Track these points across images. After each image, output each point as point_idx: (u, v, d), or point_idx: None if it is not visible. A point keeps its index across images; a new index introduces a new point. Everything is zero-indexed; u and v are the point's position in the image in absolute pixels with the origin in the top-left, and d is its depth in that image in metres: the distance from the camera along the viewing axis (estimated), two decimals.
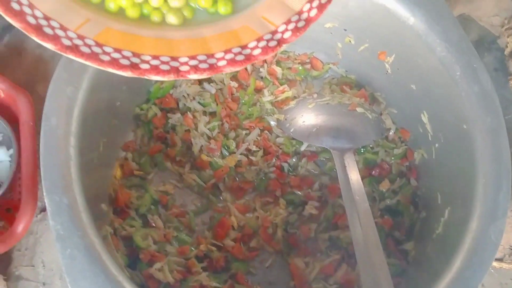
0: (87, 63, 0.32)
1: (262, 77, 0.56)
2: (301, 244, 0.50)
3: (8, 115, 0.68)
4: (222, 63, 0.34)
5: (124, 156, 0.51)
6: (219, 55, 0.34)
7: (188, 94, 0.54)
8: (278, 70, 0.56)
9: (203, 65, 0.33)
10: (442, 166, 0.47)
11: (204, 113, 0.54)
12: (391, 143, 0.53)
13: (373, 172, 0.53)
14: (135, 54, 0.33)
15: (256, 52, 0.34)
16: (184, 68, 0.33)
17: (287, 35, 0.35)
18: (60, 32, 0.32)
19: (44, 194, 0.36)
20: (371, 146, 0.53)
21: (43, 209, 0.65)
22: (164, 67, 0.33)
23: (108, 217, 0.46)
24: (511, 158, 0.41)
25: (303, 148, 0.52)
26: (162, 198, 0.50)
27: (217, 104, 0.54)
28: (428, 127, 0.49)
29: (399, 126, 0.54)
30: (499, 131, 0.41)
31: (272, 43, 0.34)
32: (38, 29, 0.32)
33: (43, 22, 0.32)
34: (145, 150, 0.52)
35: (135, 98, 0.53)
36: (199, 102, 0.53)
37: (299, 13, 0.36)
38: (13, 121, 0.67)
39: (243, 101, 0.55)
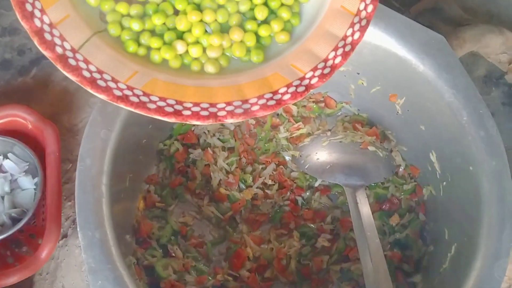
0: (136, 111, 0.35)
1: (278, 114, 0.59)
2: (313, 275, 0.52)
3: (34, 146, 0.71)
4: (255, 108, 0.37)
5: (147, 189, 0.54)
6: (253, 100, 0.37)
7: (208, 131, 0.57)
8: (294, 108, 0.59)
9: (238, 110, 0.36)
10: (449, 203, 0.49)
11: (223, 148, 0.56)
12: (401, 179, 0.56)
13: (384, 206, 0.55)
14: (178, 102, 0.36)
15: (286, 97, 0.37)
16: (221, 113, 0.36)
17: (314, 81, 0.38)
18: (111, 84, 0.35)
19: (78, 229, 0.39)
20: (381, 182, 0.56)
21: (65, 235, 0.68)
22: (204, 113, 0.36)
23: (132, 247, 0.49)
24: None
25: (317, 184, 0.55)
26: (182, 229, 0.53)
27: (235, 140, 0.57)
28: (436, 165, 0.51)
29: (409, 163, 0.56)
30: (503, 174, 0.44)
31: (301, 89, 0.37)
32: (92, 82, 0.35)
33: (96, 75, 0.35)
34: (167, 183, 0.55)
35: (159, 134, 0.56)
36: (218, 138, 0.57)
37: (325, 60, 0.39)
38: (39, 151, 0.71)
39: (260, 137, 0.58)
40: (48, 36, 0.35)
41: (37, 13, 0.35)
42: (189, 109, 0.36)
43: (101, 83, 0.35)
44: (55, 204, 0.64)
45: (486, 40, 0.82)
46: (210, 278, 0.50)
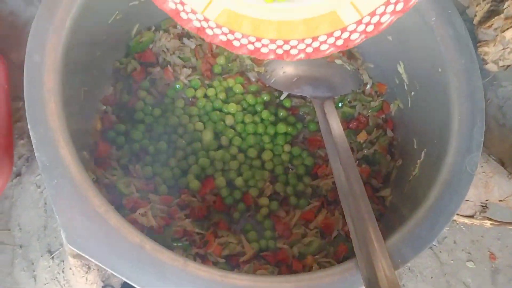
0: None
1: None
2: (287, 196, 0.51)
3: None
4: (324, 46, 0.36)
5: (104, 110, 0.51)
6: (322, 38, 0.36)
7: (167, 49, 0.54)
8: None
9: (309, 49, 0.36)
10: (418, 112, 0.49)
11: (184, 67, 0.54)
12: (368, 97, 0.55)
13: (351, 125, 0.54)
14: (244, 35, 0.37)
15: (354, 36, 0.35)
16: (293, 51, 0.37)
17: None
18: (191, 16, 0.36)
19: (29, 126, 0.36)
20: (348, 100, 0.54)
21: (18, 174, 0.64)
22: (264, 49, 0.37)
23: (90, 165, 0.46)
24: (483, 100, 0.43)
25: (283, 97, 0.53)
26: (141, 152, 0.50)
27: (196, 59, 0.54)
28: (404, 76, 0.50)
29: (376, 81, 0.55)
30: (472, 71, 0.43)
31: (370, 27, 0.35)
32: (177, 13, 0.37)
33: (179, 7, 0.36)
34: (125, 103, 0.52)
35: (114, 52, 0.52)
36: (179, 57, 0.54)
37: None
38: None
39: (223, 56, 0.55)
40: None
41: None
42: (252, 43, 0.37)
43: (183, 15, 0.37)
44: (6, 138, 0.60)
45: None
46: (174, 198, 0.48)
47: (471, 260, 0.64)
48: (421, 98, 0.48)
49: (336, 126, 0.45)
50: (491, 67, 0.75)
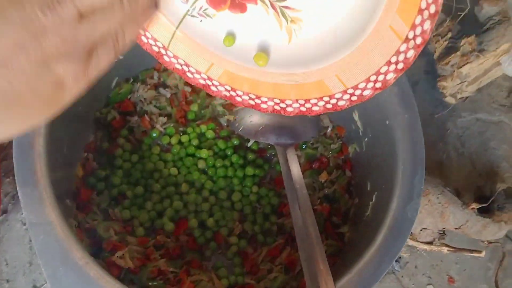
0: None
1: None
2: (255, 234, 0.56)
3: None
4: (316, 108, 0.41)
5: (86, 156, 0.55)
6: (313, 101, 0.41)
7: (145, 99, 0.58)
8: None
9: (302, 108, 0.42)
10: (371, 157, 0.54)
11: (160, 115, 0.58)
12: (329, 139, 0.60)
13: (314, 165, 0.59)
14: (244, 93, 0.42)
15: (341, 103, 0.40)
16: (289, 109, 0.42)
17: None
18: (196, 75, 0.41)
19: (18, 187, 0.40)
20: (311, 142, 0.59)
21: (5, 211, 0.68)
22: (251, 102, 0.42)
23: (72, 211, 0.50)
24: (424, 149, 0.48)
25: (250, 143, 0.58)
26: (120, 196, 0.55)
27: (172, 107, 0.59)
28: (359, 124, 0.56)
29: (336, 124, 0.60)
30: (415, 125, 0.48)
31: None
32: (184, 73, 0.41)
33: (185, 68, 0.41)
34: (104, 150, 0.56)
35: (95, 103, 0.57)
36: (155, 106, 0.58)
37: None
38: None
39: (196, 104, 0.60)
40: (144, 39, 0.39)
41: None
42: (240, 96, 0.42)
43: (189, 74, 0.41)
44: None
45: None
46: (150, 239, 0.52)
47: (431, 284, 0.68)
48: (373, 145, 0.53)
49: (296, 171, 0.50)
50: (450, 99, 0.80)
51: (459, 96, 0.82)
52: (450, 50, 0.85)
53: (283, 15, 0.35)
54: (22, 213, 0.68)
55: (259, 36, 0.37)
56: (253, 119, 0.56)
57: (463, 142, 0.82)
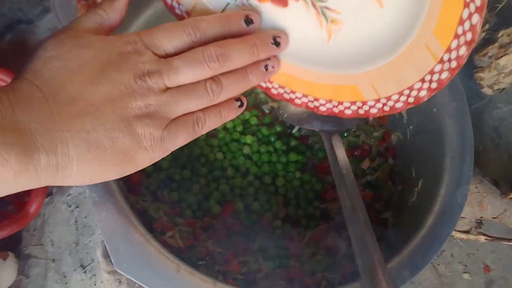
0: None
1: None
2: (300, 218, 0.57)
3: None
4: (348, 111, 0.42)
5: None
6: (346, 104, 0.41)
7: None
8: None
9: (335, 109, 0.42)
10: (415, 144, 0.55)
11: None
12: (371, 127, 0.60)
13: (355, 153, 0.60)
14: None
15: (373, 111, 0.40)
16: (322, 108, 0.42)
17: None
18: None
19: None
20: (353, 130, 0.60)
21: (50, 193, 0.70)
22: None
23: (124, 193, 0.51)
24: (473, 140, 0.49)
25: (294, 131, 0.58)
26: (168, 179, 0.56)
27: None
28: (403, 112, 0.56)
29: None
30: (463, 113, 0.49)
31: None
32: None
33: None
34: None
35: None
36: None
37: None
38: None
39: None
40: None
41: None
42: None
43: None
44: None
45: None
46: (198, 221, 0.54)
47: (467, 272, 0.69)
48: (418, 133, 0.54)
49: (342, 158, 0.51)
50: (487, 90, 0.80)
51: (496, 87, 0.82)
52: (487, 41, 0.84)
53: (324, 14, 0.36)
54: (67, 196, 0.70)
55: (299, 32, 0.38)
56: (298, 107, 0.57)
57: (500, 133, 0.82)
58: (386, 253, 0.45)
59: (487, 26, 0.86)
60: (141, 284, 0.38)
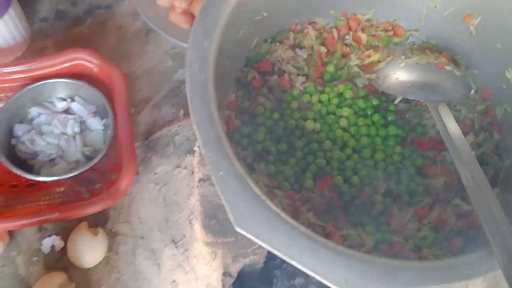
0: None
1: (347, 44, 0.61)
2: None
3: (100, 88, 0.74)
4: None
5: (228, 114, 0.56)
6: None
7: (282, 59, 0.59)
8: (363, 36, 0.60)
9: None
10: None
11: (298, 75, 0.58)
12: (473, 101, 0.57)
13: None
14: None
15: None
16: None
17: None
18: None
19: (194, 127, 0.41)
20: (453, 104, 0.57)
21: (136, 173, 0.71)
22: None
23: None
24: None
25: (396, 101, 0.56)
26: (264, 152, 0.55)
27: (308, 68, 0.59)
28: None
29: (480, 86, 0.58)
30: None
31: None
32: None
33: None
34: (246, 109, 0.57)
35: (236, 64, 0.58)
36: (293, 66, 0.58)
37: None
38: (105, 94, 0.74)
39: (332, 64, 0.59)
40: None
41: None
42: None
43: None
44: (129, 140, 0.67)
45: None
46: (296, 193, 0.52)
47: None
48: None
49: (453, 127, 0.48)
50: None
51: None
52: None
53: None
54: (154, 175, 0.71)
55: None
56: (399, 76, 0.55)
57: None
58: None
59: None
60: (261, 243, 0.37)
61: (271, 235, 0.37)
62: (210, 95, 0.43)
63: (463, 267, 0.38)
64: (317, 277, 0.36)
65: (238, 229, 0.37)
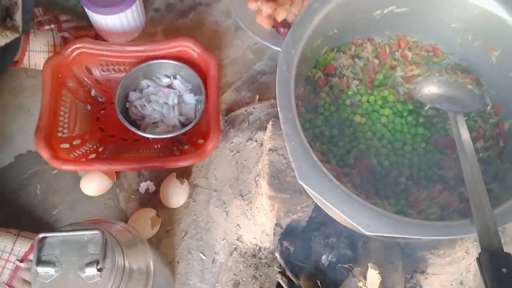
0: None
1: (395, 59, 0.78)
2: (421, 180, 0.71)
3: (197, 71, 0.93)
4: None
5: (296, 103, 0.74)
6: None
7: (344, 65, 0.76)
8: (409, 54, 0.77)
9: None
10: None
11: (354, 79, 0.76)
12: (488, 115, 0.73)
13: (472, 134, 0.73)
14: None
15: None
16: None
17: None
18: None
19: (278, 109, 0.59)
20: (472, 115, 0.73)
21: (219, 140, 0.88)
22: None
23: None
24: None
25: (426, 108, 0.73)
26: (320, 134, 0.73)
27: (363, 74, 0.76)
28: None
29: (495, 104, 0.74)
30: None
31: None
32: None
33: None
34: (311, 100, 0.75)
35: (307, 65, 0.76)
36: (351, 71, 0.76)
37: None
38: (201, 75, 0.93)
39: (381, 73, 0.77)
40: None
41: None
42: None
43: None
44: (216, 114, 0.86)
45: None
46: (340, 168, 0.70)
47: None
48: None
49: (465, 133, 0.64)
50: None
51: None
52: None
53: None
54: (231, 143, 0.89)
55: None
56: (431, 89, 0.72)
57: None
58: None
59: None
60: (315, 193, 0.56)
61: (322, 188, 0.56)
62: (291, 88, 0.61)
63: (450, 228, 0.55)
64: (349, 220, 0.54)
65: (300, 182, 0.56)
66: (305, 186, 0.56)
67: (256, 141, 0.86)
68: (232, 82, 1.00)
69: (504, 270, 0.49)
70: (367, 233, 0.54)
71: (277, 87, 0.61)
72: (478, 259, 0.51)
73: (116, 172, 0.88)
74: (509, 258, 0.50)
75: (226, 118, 0.95)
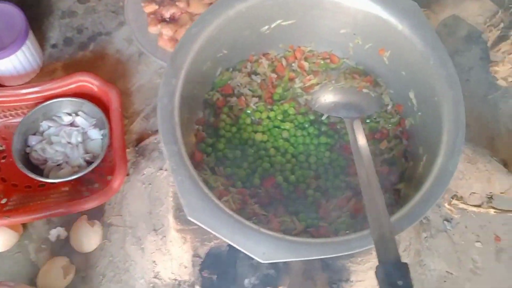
0: None
1: (293, 70, 0.77)
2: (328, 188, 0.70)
3: (99, 105, 0.89)
4: None
5: (197, 128, 0.72)
6: None
7: (241, 84, 0.74)
8: (306, 64, 0.76)
9: None
10: (423, 127, 0.67)
11: (253, 96, 0.74)
12: (389, 115, 0.73)
13: (376, 135, 0.72)
14: None
15: None
16: None
17: None
18: None
19: (163, 145, 0.56)
20: (374, 117, 0.73)
21: (127, 174, 0.85)
22: None
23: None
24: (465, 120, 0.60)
25: (323, 117, 0.72)
26: (223, 158, 0.71)
27: (261, 90, 0.74)
28: (414, 101, 0.68)
29: (395, 102, 0.73)
30: (458, 101, 0.60)
31: None
32: None
33: None
34: (211, 124, 0.73)
35: (204, 88, 0.73)
36: (249, 89, 0.74)
37: None
38: (103, 109, 0.89)
39: (280, 87, 0.75)
40: None
41: None
42: None
43: None
44: (121, 148, 0.82)
45: (464, 4, 0.98)
46: (246, 190, 0.68)
47: (479, 241, 0.79)
48: (425, 118, 0.66)
49: (361, 139, 0.63)
50: (501, 82, 0.91)
51: (510, 79, 0.93)
52: (502, 38, 0.96)
53: None
54: (142, 175, 0.86)
55: None
56: (327, 98, 0.71)
57: None
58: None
59: (502, 25, 0.97)
60: (207, 228, 0.53)
61: (213, 222, 0.53)
62: (175, 121, 0.58)
63: (348, 243, 0.54)
64: (244, 251, 0.52)
65: (190, 218, 0.53)
66: (196, 222, 0.54)
67: (166, 170, 0.83)
68: (140, 110, 0.96)
69: (400, 282, 0.48)
70: (263, 261, 0.52)
71: (159, 121, 0.58)
72: (375, 272, 0.50)
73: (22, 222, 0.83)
74: (405, 269, 0.49)
75: (136, 149, 0.91)
